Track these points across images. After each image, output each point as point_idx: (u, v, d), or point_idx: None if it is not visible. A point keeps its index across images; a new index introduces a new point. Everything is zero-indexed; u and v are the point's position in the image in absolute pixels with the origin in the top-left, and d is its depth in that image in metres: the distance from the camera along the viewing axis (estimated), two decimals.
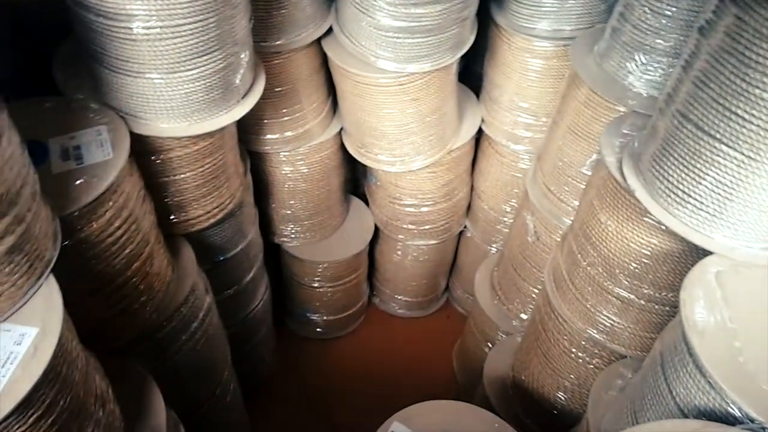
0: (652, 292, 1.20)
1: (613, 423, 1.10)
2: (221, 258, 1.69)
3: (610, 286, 1.24)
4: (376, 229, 2.21)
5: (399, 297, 2.44)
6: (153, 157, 1.28)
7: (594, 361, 1.39)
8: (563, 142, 1.48)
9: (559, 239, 1.58)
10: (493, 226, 2.09)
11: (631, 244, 1.16)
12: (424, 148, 1.74)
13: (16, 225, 0.80)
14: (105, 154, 1.09)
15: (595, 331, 1.32)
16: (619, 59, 1.34)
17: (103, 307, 1.15)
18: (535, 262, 1.70)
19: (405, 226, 2.08)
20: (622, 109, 1.31)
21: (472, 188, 2.11)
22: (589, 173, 1.44)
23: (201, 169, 1.36)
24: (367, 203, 2.24)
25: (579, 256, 1.30)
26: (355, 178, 2.32)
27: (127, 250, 1.14)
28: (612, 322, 1.29)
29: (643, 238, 1.14)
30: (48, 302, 0.85)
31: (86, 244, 1.05)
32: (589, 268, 1.27)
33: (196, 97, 1.16)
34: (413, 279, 2.34)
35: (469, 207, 2.18)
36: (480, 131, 1.91)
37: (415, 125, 1.65)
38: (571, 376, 1.45)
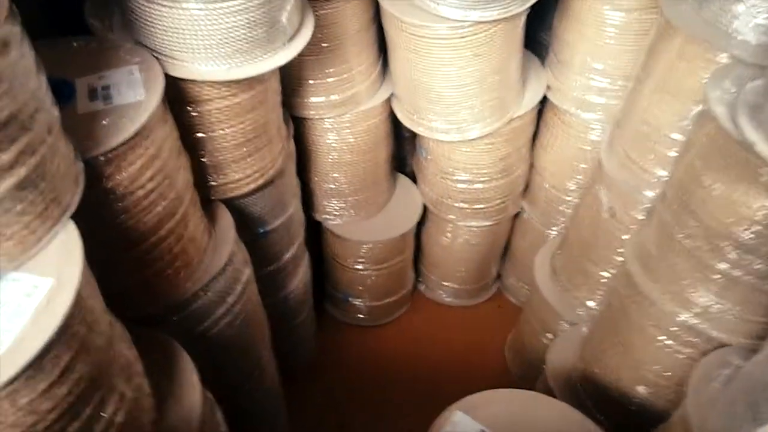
0: (766, 267, 1.01)
1: (725, 419, 0.92)
2: (261, 231, 1.56)
3: (712, 261, 1.06)
4: (424, 210, 2.05)
5: (447, 284, 2.28)
6: (189, 109, 1.15)
7: (686, 351, 1.20)
8: (649, 103, 1.29)
9: (639, 215, 1.40)
10: (554, 206, 1.91)
11: (742, 209, 0.98)
12: (483, 115, 1.57)
13: (29, 156, 0.67)
14: (136, 95, 0.96)
15: (690, 315, 1.14)
16: (722, 2, 1.15)
17: (133, 270, 1.03)
18: (607, 243, 1.51)
19: (456, 204, 1.91)
20: (724, 59, 1.13)
21: (531, 166, 1.93)
22: (680, 138, 1.25)
23: (242, 126, 1.23)
24: (414, 181, 2.09)
25: (674, 228, 1.11)
26: (400, 156, 2.17)
27: (159, 207, 1.01)
28: (713, 304, 1.11)
29: (757, 202, 0.96)
30: (66, 252, 0.72)
31: (114, 194, 0.92)
32: (686, 241, 1.09)
33: (237, 33, 1.02)
34: (463, 264, 2.17)
35: (526, 187, 2.00)
36: (543, 102, 1.73)
37: (476, 86, 1.48)
38: (657, 367, 1.26)
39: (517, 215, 2.10)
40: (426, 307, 2.36)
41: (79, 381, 0.68)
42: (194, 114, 1.17)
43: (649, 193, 1.35)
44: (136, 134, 0.92)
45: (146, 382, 0.87)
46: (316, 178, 1.84)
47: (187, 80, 1.09)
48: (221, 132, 1.21)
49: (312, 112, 1.63)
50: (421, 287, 2.38)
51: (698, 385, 1.07)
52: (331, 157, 1.76)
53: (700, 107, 1.16)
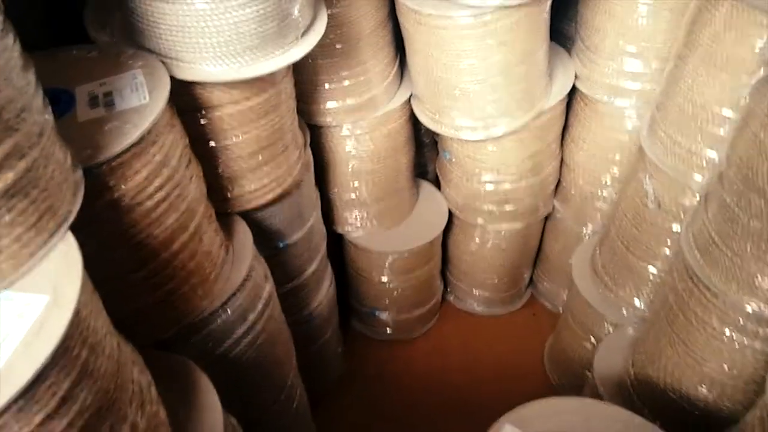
0: None
1: None
2: (280, 244, 1.48)
3: None
4: (450, 216, 1.96)
5: (477, 292, 2.17)
6: (200, 116, 1.08)
7: (755, 344, 1.08)
8: (694, 80, 1.19)
9: (688, 202, 1.29)
10: (588, 203, 1.80)
11: None
12: (510, 108, 1.48)
13: (16, 159, 0.60)
14: (140, 100, 0.89)
15: (760, 303, 1.02)
16: None
17: (145, 289, 0.95)
18: (654, 235, 1.40)
19: (484, 207, 1.82)
20: None
21: (561, 162, 1.83)
22: (731, 114, 1.15)
23: (256, 133, 1.16)
24: (438, 187, 1.99)
25: (737, 209, 1.00)
26: (422, 164, 2.08)
27: (171, 219, 0.94)
28: None
29: None
30: (64, 268, 0.64)
31: (120, 205, 0.85)
32: (753, 222, 0.98)
33: (247, 28, 0.95)
34: (493, 271, 2.06)
35: (557, 185, 1.90)
36: (572, 93, 1.63)
37: (501, 78, 1.39)
38: (723, 365, 1.14)
39: (548, 216, 1.99)
40: (456, 317, 2.24)
41: (82, 411, 0.59)
42: (205, 122, 1.10)
43: (699, 177, 1.24)
44: (141, 139, 0.85)
45: (162, 410, 0.78)
46: (335, 189, 1.76)
47: (196, 84, 1.03)
48: (235, 140, 1.14)
49: (329, 119, 1.55)
50: (450, 297, 2.27)
51: None
52: (350, 165, 1.68)
53: (753, 78, 1.06)
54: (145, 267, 0.93)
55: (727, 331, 1.09)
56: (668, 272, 1.27)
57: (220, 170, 1.18)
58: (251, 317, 1.15)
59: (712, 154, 1.21)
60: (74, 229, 0.69)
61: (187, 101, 1.04)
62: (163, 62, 0.97)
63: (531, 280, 2.25)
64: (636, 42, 1.41)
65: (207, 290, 1.06)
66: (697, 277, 1.10)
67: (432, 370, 2.09)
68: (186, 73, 0.98)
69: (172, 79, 0.95)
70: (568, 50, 1.66)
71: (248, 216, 1.30)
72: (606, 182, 1.72)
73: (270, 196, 1.28)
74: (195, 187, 1.02)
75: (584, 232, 1.88)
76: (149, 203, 0.89)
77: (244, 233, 1.21)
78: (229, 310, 1.08)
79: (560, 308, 2.15)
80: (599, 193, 1.76)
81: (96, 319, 0.66)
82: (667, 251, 1.40)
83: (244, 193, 1.24)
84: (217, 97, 1.06)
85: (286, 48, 1.02)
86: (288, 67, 1.16)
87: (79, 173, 0.74)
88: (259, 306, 1.18)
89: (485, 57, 1.34)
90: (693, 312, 1.14)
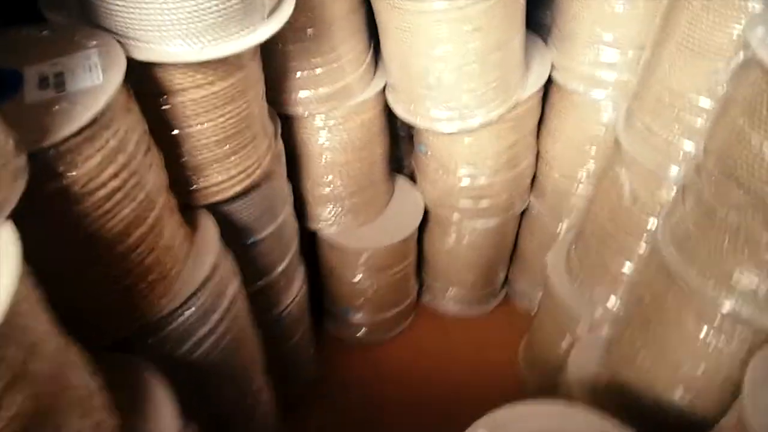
0: None
1: None
2: (249, 241, 1.41)
3: (763, 235, 0.93)
4: (425, 212, 1.91)
5: (452, 291, 2.13)
6: (161, 101, 1.02)
7: (732, 346, 1.06)
8: (671, 66, 1.17)
9: (665, 194, 1.27)
10: (564, 198, 1.78)
11: None
12: (486, 98, 1.44)
13: None
14: (93, 80, 0.83)
15: (738, 301, 1.00)
16: None
17: (99, 286, 0.88)
18: (630, 230, 1.38)
19: (460, 202, 1.78)
20: (757, 6, 1.00)
21: (537, 156, 1.80)
22: (708, 103, 1.13)
23: (221, 120, 1.09)
24: (414, 182, 1.95)
25: (716, 200, 0.98)
26: (398, 157, 2.04)
27: (127, 210, 0.87)
28: (764, 287, 0.97)
29: None
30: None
31: (70, 194, 0.78)
32: (732, 213, 0.95)
33: (209, 5, 0.88)
34: (469, 269, 2.03)
35: (533, 180, 1.87)
36: (548, 84, 1.61)
37: (477, 65, 1.35)
38: (698, 367, 1.12)
39: (524, 212, 1.97)
40: (431, 317, 2.20)
41: (14, 418, 0.52)
42: (167, 107, 1.03)
43: (676, 168, 1.22)
44: (93, 122, 0.78)
45: (111, 417, 0.71)
46: (308, 183, 1.70)
47: (156, 66, 0.96)
48: (199, 127, 1.08)
49: (300, 109, 1.49)
50: (426, 297, 2.23)
51: (754, 386, 0.93)
52: (324, 157, 1.62)
53: (731, 63, 1.04)
54: (99, 262, 0.86)
55: (704, 332, 1.07)
56: (643, 269, 1.25)
57: (184, 160, 1.11)
58: (215, 317, 1.08)
59: (689, 146, 1.19)
60: (16, 219, 0.62)
61: (146, 85, 0.97)
62: (119, 42, 0.90)
63: (506, 279, 2.22)
64: (613, 28, 1.39)
65: (167, 288, 0.99)
66: (674, 274, 1.07)
67: (407, 373, 2.03)
68: (144, 54, 0.91)
69: (130, 60, 0.89)
70: (544, 40, 1.63)
71: (216, 209, 1.23)
72: (582, 177, 1.70)
73: (238, 188, 1.22)
74: (155, 177, 0.95)
75: (560, 228, 1.86)
76: (102, 192, 0.82)
77: (210, 228, 1.15)
78: (190, 308, 1.02)
79: (534, 308, 2.13)
80: (575, 189, 1.74)
81: (35, 317, 0.59)
82: (644, 247, 1.38)
83: (210, 185, 1.17)
84: (178, 81, 0.99)
85: (253, 28, 0.96)
86: (255, 50, 1.10)
87: (23, 158, 0.67)
88: (224, 305, 1.12)
89: (461, 43, 1.30)
90: (669, 310, 1.11)
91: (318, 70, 1.42)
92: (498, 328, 2.17)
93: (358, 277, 1.87)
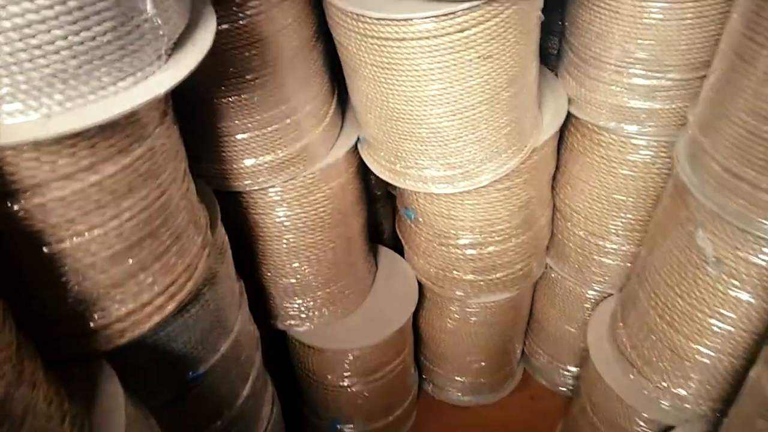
0: None
1: None
2: (191, 375, 1.00)
3: None
4: (420, 288, 1.53)
5: (459, 379, 1.76)
6: (13, 206, 0.61)
7: None
8: (760, 85, 0.83)
9: (759, 259, 0.92)
10: (593, 258, 1.46)
11: None
12: (497, 148, 1.09)
13: None
14: None
15: None
16: None
17: None
18: (713, 306, 1.02)
19: (465, 277, 1.42)
20: None
21: (554, 210, 1.46)
22: None
23: (115, 222, 0.70)
24: (400, 253, 1.57)
25: None
26: (376, 223, 1.66)
27: None
28: None
29: None
30: None
31: None
32: None
33: (57, 41, 0.50)
34: (478, 352, 1.67)
35: (549, 240, 1.52)
36: (564, 122, 1.27)
37: (485, 107, 1.00)
38: None
39: (539, 276, 1.61)
40: (437, 412, 1.84)
41: None
42: (22, 214, 0.63)
43: None
44: None
45: None
46: (268, 274, 1.33)
47: None
48: (78, 240, 0.67)
49: (248, 182, 1.12)
50: (428, 387, 1.85)
51: None
52: (285, 240, 1.25)
53: None
54: None
55: None
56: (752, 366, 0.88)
57: (65, 291, 0.70)
58: None
59: None
60: None
61: None
62: None
63: (522, 353, 1.84)
64: (650, 47, 1.07)
65: None
66: None
67: None
68: None
69: None
70: (551, 69, 1.31)
71: (128, 350, 0.82)
72: (613, 230, 1.37)
73: (158, 318, 0.81)
74: None
75: (588, 294, 1.52)
76: None
77: (111, 392, 0.73)
78: None
79: (561, 387, 1.77)
80: (606, 247, 1.40)
81: None
82: (730, 328, 1.02)
83: (112, 322, 0.76)
84: (29, 172, 0.59)
85: (140, 74, 0.57)
86: (161, 109, 0.72)
87: None
88: None
89: (463, 77, 0.93)
90: None
91: (267, 129, 1.05)
92: (520, 416, 1.82)
93: (345, 382, 1.50)
